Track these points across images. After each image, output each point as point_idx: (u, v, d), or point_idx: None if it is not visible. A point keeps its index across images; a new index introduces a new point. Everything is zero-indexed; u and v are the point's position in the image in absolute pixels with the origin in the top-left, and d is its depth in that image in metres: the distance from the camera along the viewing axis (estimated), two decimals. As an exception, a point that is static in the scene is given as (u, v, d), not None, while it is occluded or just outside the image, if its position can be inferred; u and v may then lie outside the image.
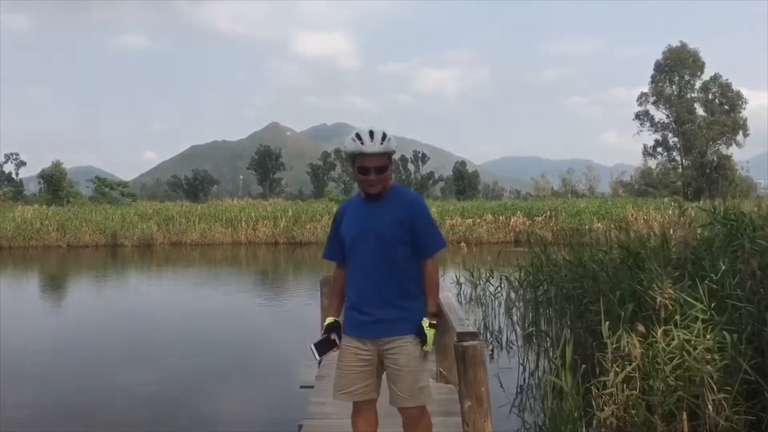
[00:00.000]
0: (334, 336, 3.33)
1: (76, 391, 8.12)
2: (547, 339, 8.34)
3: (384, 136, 3.25)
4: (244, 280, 22.05)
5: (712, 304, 4.71)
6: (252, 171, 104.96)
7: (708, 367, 4.14)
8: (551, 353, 8.40)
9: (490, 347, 10.13)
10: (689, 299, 4.75)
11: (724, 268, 5.06)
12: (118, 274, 24.25)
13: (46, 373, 9.05)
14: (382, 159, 3.27)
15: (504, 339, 10.54)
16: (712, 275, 5.10)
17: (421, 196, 3.59)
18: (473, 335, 3.65)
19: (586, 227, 31.08)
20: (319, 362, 6.09)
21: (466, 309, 12.92)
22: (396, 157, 4.57)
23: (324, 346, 3.30)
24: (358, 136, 3.24)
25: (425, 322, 3.29)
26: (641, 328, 4.57)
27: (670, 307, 4.68)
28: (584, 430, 4.71)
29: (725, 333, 4.47)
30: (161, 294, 18.68)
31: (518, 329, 10.89)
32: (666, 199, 41.38)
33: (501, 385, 7.90)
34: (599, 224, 32.21)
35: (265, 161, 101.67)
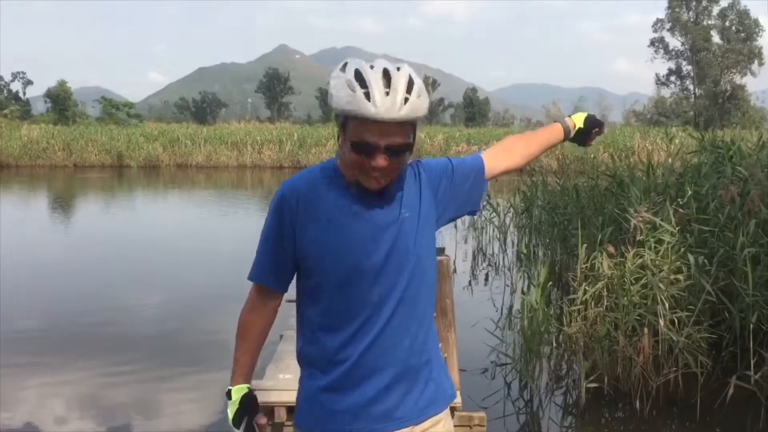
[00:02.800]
0: (263, 420, 1.85)
1: (80, 311, 8.25)
2: (534, 262, 8.56)
3: (410, 85, 1.59)
4: (249, 202, 22.27)
5: (678, 228, 4.85)
6: (260, 94, 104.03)
7: (661, 285, 4.30)
8: (536, 275, 8.65)
9: (485, 272, 10.41)
10: (661, 222, 4.89)
11: (690, 192, 5.18)
12: (125, 194, 24.54)
13: (51, 293, 9.19)
14: (403, 131, 1.62)
15: (498, 263, 10.81)
16: (679, 200, 5.22)
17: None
18: (440, 250, 3.80)
19: (592, 156, 31.04)
20: None
21: (464, 235, 13.18)
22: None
23: None
24: (359, 77, 1.58)
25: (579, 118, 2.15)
26: (611, 249, 4.74)
27: (643, 229, 4.82)
28: (553, 344, 4.94)
29: (689, 254, 4.62)
30: (167, 215, 18.94)
31: (510, 254, 11.17)
32: (674, 129, 41.00)
33: (495, 307, 8.15)
34: (605, 153, 32.15)
35: (273, 84, 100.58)
